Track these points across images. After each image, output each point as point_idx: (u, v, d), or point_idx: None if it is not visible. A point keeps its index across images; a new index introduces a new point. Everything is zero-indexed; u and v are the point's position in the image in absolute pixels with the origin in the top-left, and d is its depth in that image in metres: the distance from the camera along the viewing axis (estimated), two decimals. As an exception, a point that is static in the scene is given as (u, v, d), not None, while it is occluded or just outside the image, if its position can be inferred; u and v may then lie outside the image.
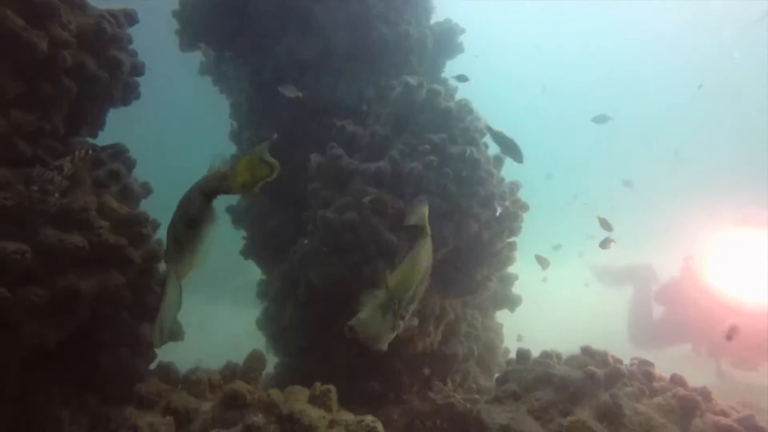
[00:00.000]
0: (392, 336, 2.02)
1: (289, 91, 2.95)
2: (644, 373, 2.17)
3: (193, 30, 4.17)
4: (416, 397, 3.46)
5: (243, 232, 4.11)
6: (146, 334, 2.60)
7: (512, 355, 3.88)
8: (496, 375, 4.19)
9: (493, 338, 4.32)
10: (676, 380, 2.18)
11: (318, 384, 1.69)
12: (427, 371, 3.51)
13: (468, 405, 3.10)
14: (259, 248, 3.94)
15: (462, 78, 3.66)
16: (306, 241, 3.19)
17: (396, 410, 3.18)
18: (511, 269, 4.04)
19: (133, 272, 2.47)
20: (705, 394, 2.18)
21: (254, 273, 4.33)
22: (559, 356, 2.52)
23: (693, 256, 6.26)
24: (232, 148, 4.47)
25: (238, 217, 4.09)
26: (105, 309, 2.41)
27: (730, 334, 3.78)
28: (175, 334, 1.71)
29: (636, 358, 2.39)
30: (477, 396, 3.41)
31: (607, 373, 2.14)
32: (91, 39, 2.41)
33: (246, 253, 4.01)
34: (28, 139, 2.22)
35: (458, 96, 3.70)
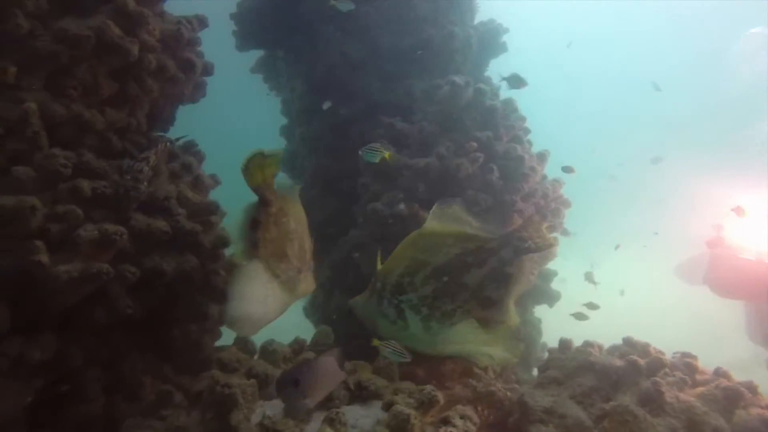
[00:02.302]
0: (388, 323, 2.12)
1: (324, 105, 3.12)
2: (686, 364, 2.26)
3: (249, 30, 4.41)
4: (458, 384, 3.60)
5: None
6: (212, 314, 2.84)
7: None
8: (535, 367, 4.31)
9: (531, 332, 4.42)
10: (720, 373, 2.25)
11: (380, 358, 1.87)
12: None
13: (508, 393, 3.23)
14: (308, 239, 4.15)
15: (514, 80, 3.72)
16: (356, 232, 3.38)
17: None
18: (557, 267, 4.14)
19: (203, 256, 2.70)
20: (751, 387, 2.23)
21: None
22: (600, 346, 2.62)
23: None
24: (282, 143, 4.72)
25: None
26: (179, 289, 2.66)
27: None
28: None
29: (678, 351, 2.46)
30: (516, 386, 3.54)
31: (648, 362, 2.24)
32: (171, 43, 2.66)
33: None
34: (118, 134, 2.48)
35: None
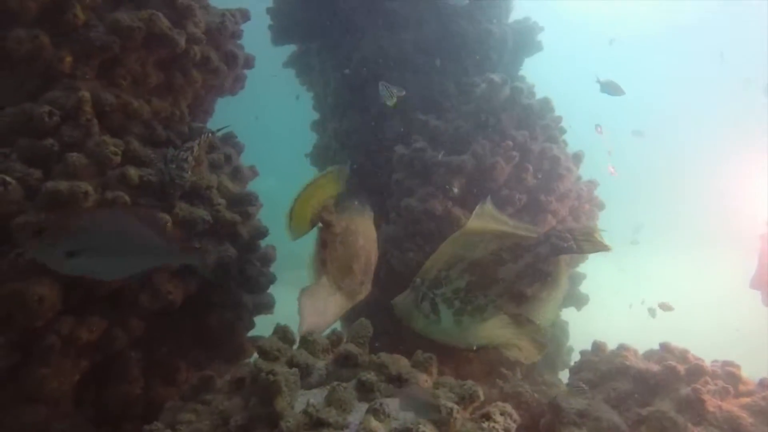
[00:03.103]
0: (422, 317, 2.20)
1: (386, 91, 3.14)
2: (728, 373, 2.20)
3: (284, 24, 4.45)
4: (484, 384, 3.60)
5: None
6: (246, 303, 2.89)
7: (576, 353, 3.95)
8: (560, 370, 4.27)
9: (558, 335, 4.37)
10: (766, 384, 2.19)
11: (419, 351, 1.88)
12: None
13: (536, 395, 3.21)
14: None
15: (610, 87, 3.64)
16: (389, 228, 3.39)
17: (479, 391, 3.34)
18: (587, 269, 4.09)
19: (240, 246, 2.75)
20: None
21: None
22: (635, 350, 2.58)
23: None
24: (314, 137, 4.76)
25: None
26: (217, 277, 2.72)
27: None
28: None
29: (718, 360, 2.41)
30: (544, 387, 3.52)
31: (688, 369, 2.19)
32: (215, 35, 2.71)
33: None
34: (163, 124, 2.54)
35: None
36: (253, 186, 3.05)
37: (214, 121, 3.21)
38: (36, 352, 1.99)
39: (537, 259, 2.26)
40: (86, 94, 2.15)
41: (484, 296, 2.25)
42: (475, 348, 2.33)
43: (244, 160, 3.14)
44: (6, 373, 1.95)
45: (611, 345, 2.81)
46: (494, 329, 2.26)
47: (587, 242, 2.26)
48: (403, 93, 3.01)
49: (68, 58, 2.15)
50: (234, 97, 3.24)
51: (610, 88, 3.61)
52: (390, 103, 2.93)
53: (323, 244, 2.26)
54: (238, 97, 3.30)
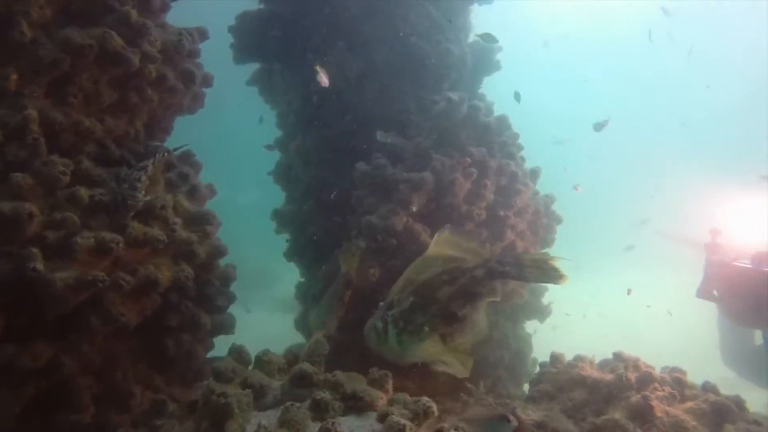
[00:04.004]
0: (375, 336, 2.42)
1: (383, 137, 3.35)
2: (675, 379, 2.29)
3: (246, 44, 4.46)
4: (449, 398, 3.61)
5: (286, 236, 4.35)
6: (205, 323, 2.83)
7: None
8: (525, 382, 4.32)
9: (522, 347, 4.44)
10: (708, 388, 2.29)
11: (375, 369, 1.88)
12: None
13: (500, 408, 3.24)
14: (301, 251, 4.16)
15: (517, 96, 3.99)
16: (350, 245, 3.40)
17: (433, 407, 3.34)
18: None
19: (197, 266, 2.70)
20: (739, 403, 2.27)
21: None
22: (592, 360, 2.65)
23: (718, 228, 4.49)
24: (276, 155, 4.74)
25: (283, 221, 4.33)
26: (173, 297, 2.66)
27: None
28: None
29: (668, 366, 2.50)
30: (508, 400, 3.55)
31: (638, 377, 2.27)
32: (172, 54, 2.69)
33: (289, 255, 4.23)
34: (117, 143, 2.50)
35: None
36: (237, 198, 3.02)
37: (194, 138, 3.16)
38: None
39: (472, 282, 2.42)
40: (33, 113, 2.09)
41: (422, 316, 2.39)
42: (418, 364, 2.50)
43: (231, 172, 3.11)
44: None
45: (570, 356, 2.88)
46: (428, 347, 2.41)
47: (536, 269, 2.38)
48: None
49: (14, 76, 2.10)
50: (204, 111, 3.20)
51: (598, 127, 3.96)
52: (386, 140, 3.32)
53: (346, 286, 2.83)
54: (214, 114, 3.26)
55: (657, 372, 2.30)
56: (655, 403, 2.05)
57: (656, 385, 2.20)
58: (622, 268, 10.77)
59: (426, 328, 2.38)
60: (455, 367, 2.38)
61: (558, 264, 2.34)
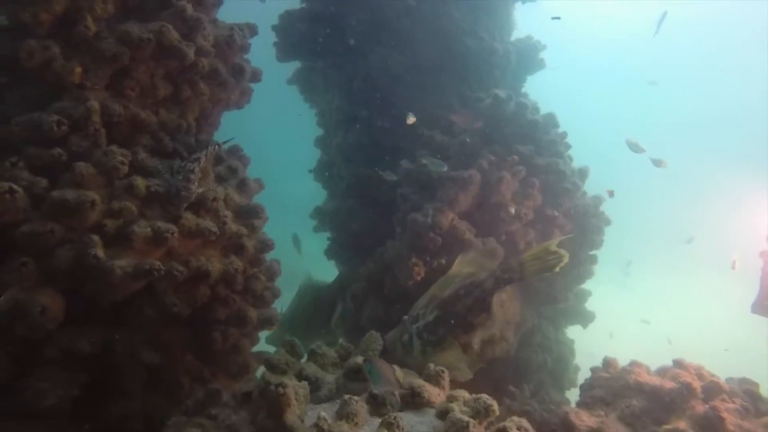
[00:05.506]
0: (401, 348, 2.62)
1: (388, 176, 3.43)
2: (747, 391, 2.14)
3: (290, 42, 4.49)
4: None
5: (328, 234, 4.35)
6: (252, 317, 2.83)
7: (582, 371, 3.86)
8: (567, 389, 4.19)
9: (564, 352, 4.30)
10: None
11: (431, 365, 1.83)
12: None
13: (545, 414, 3.14)
14: (342, 248, 4.15)
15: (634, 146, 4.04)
16: (395, 243, 3.36)
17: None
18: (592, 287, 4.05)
19: (245, 259, 2.71)
20: None
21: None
22: (647, 367, 2.53)
23: None
24: (317, 153, 4.76)
25: (324, 218, 4.34)
26: (221, 290, 2.67)
27: None
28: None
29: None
30: (552, 407, 3.44)
31: (705, 386, 2.14)
32: (224, 48, 2.71)
33: (330, 253, 4.23)
34: (170, 135, 2.53)
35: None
36: (291, 189, 3.07)
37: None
38: (34, 365, 1.94)
39: (484, 294, 2.70)
40: (95, 105, 2.14)
41: (445, 328, 2.68)
42: None
43: (273, 165, 3.13)
44: (2, 386, 1.90)
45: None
46: (448, 356, 2.68)
47: (536, 262, 2.59)
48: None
49: (78, 69, 2.15)
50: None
51: (634, 147, 3.97)
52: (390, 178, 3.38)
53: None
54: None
55: (724, 382, 2.17)
56: (725, 415, 1.92)
57: (725, 396, 2.06)
58: (668, 276, 10.38)
59: (448, 339, 2.68)
60: (463, 371, 2.67)
61: (555, 247, 2.56)
